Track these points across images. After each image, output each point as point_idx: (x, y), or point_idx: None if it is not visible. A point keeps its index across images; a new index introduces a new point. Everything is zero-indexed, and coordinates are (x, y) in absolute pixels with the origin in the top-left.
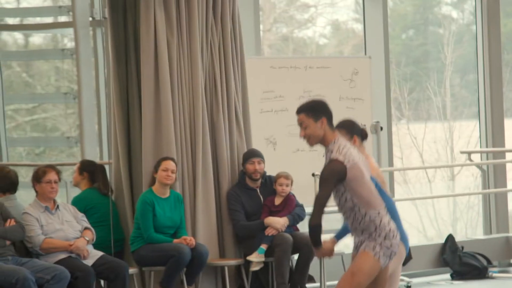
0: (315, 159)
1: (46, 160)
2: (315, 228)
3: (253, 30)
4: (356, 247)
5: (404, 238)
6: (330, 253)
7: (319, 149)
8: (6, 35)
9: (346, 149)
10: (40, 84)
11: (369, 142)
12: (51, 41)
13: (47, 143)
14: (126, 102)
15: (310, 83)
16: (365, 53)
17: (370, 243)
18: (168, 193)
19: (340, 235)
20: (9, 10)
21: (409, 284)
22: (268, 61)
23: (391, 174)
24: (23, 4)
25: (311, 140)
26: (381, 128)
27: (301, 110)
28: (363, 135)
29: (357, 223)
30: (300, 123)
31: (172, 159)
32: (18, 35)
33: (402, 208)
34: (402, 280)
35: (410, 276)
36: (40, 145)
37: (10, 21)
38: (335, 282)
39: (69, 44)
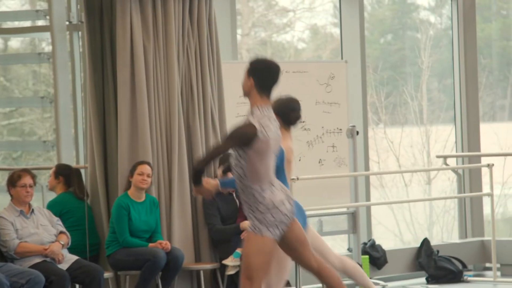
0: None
1: (23, 164)
2: (198, 171)
3: (230, 35)
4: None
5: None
6: (208, 193)
7: (295, 153)
8: None
9: (265, 120)
10: (17, 88)
11: (345, 146)
12: (29, 45)
13: (24, 147)
14: (102, 106)
15: (287, 87)
16: (342, 58)
17: (251, 222)
18: (144, 197)
19: (225, 183)
20: None
21: None
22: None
23: (367, 178)
24: (2, 8)
25: (243, 90)
26: (357, 133)
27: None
28: (291, 120)
29: (241, 191)
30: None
31: (148, 163)
32: None
33: (378, 212)
34: (377, 284)
35: (386, 280)
36: (17, 149)
37: None
38: (311, 286)
39: (47, 48)
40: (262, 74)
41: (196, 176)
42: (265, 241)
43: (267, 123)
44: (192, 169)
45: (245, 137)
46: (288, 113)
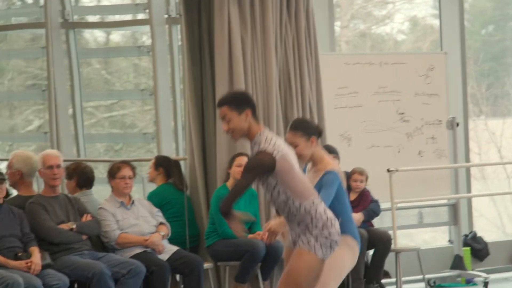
0: (390, 155)
1: (124, 156)
2: (225, 213)
3: (328, 26)
4: (294, 242)
5: (355, 235)
6: (242, 229)
7: (394, 144)
8: (87, 33)
9: (274, 140)
10: (118, 81)
11: (445, 138)
12: (130, 38)
13: (125, 139)
14: (200, 98)
15: (385, 79)
16: (441, 49)
17: (305, 238)
18: None
19: None
20: (89, 8)
21: (486, 280)
22: (342, 57)
23: (468, 170)
24: (103, 2)
25: (235, 133)
26: (457, 124)
27: (223, 102)
28: (319, 133)
29: (292, 216)
30: (223, 117)
31: (246, 155)
32: (99, 33)
33: (480, 204)
34: (479, 276)
35: (488, 272)
36: (119, 141)
37: (91, 18)
38: (411, 278)
39: (147, 41)
40: (250, 101)
41: (226, 216)
42: (314, 261)
43: (275, 141)
44: (220, 210)
45: (265, 165)
46: (315, 129)
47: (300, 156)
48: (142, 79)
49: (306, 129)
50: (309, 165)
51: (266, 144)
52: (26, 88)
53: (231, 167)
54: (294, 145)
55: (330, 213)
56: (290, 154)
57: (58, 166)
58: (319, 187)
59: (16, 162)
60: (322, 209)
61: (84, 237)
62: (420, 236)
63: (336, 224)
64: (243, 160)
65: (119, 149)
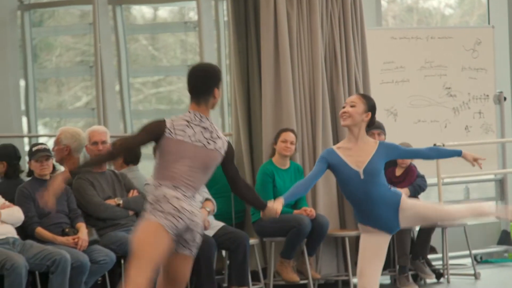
0: (436, 130)
1: None
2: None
3: (374, 1)
4: None
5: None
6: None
7: (441, 120)
8: (134, 9)
9: (181, 125)
10: (165, 57)
11: (492, 113)
12: (177, 14)
13: (172, 115)
14: (246, 74)
15: (432, 53)
16: (489, 23)
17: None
18: (288, 164)
19: (288, 196)
20: None
21: None
22: (388, 32)
23: None
24: None
25: None
26: (505, 98)
27: None
28: (372, 122)
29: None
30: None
31: (292, 131)
32: (146, 9)
33: None
34: None
35: None
36: (165, 117)
37: None
38: (458, 253)
39: (194, 17)
40: (187, 80)
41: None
42: (151, 225)
43: (182, 127)
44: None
45: (152, 127)
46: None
47: (348, 117)
48: (188, 55)
49: (371, 103)
50: (342, 145)
51: (172, 119)
52: (74, 65)
53: (277, 142)
54: (351, 104)
55: (169, 193)
56: (189, 145)
57: (103, 142)
58: (379, 156)
59: (64, 138)
60: (164, 190)
61: (131, 212)
62: None
63: (172, 202)
64: (289, 135)
65: None
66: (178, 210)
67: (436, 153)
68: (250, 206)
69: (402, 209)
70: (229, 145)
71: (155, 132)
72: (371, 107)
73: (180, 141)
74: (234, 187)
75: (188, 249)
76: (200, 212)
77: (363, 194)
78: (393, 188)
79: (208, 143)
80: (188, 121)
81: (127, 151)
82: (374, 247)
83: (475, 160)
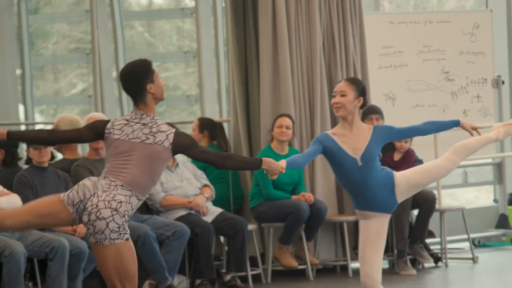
0: (434, 114)
1: (168, 119)
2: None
3: None
4: None
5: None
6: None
7: (439, 104)
8: None
9: (120, 124)
10: (162, 43)
11: (490, 96)
12: (173, 0)
13: (168, 101)
14: (244, 60)
15: (430, 38)
16: (487, 7)
17: None
18: (287, 150)
19: (289, 161)
20: None
21: None
22: (386, 17)
23: None
24: None
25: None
26: (503, 82)
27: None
28: (364, 103)
29: None
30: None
31: (288, 116)
32: None
33: None
34: None
35: None
36: (162, 103)
37: None
38: (456, 237)
39: (190, 3)
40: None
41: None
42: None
43: (121, 126)
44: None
45: (95, 124)
46: None
47: (341, 107)
48: (185, 41)
49: (360, 86)
50: (337, 131)
51: (118, 118)
52: (70, 52)
53: (273, 128)
54: (342, 94)
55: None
56: (126, 142)
57: None
58: (375, 141)
59: (62, 125)
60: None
61: None
62: (463, 196)
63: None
64: (284, 120)
65: (162, 112)
66: (78, 185)
67: (433, 127)
68: (249, 170)
69: (397, 186)
70: (178, 135)
71: (94, 130)
72: (361, 92)
73: (117, 140)
74: (217, 166)
75: (92, 236)
76: (112, 202)
77: (360, 180)
78: (386, 168)
79: (147, 138)
80: (127, 120)
81: (64, 142)
82: (374, 232)
83: (474, 129)
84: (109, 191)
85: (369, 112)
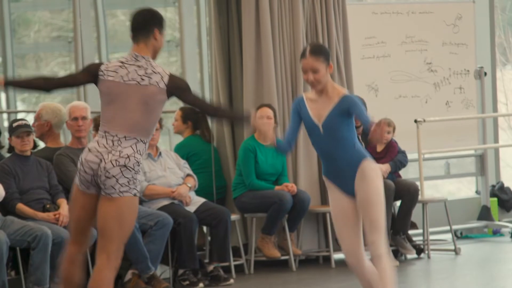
0: (417, 105)
1: None
2: None
3: None
4: None
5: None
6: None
7: (421, 95)
8: None
9: (114, 66)
10: None
11: (473, 88)
12: None
13: None
14: (227, 50)
15: (413, 28)
16: None
17: None
18: None
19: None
20: None
21: None
22: (369, 7)
23: (495, 120)
24: None
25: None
26: (485, 74)
27: None
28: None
29: None
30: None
31: (268, 106)
32: None
33: (507, 154)
34: (506, 226)
35: None
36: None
37: None
38: (438, 229)
39: None
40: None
41: None
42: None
43: (116, 68)
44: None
45: (88, 67)
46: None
47: (317, 83)
48: (167, 30)
49: (327, 54)
50: (310, 96)
51: (110, 62)
52: (52, 40)
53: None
54: (313, 71)
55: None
56: (118, 84)
57: (84, 118)
58: (337, 111)
59: (45, 113)
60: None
61: None
62: (445, 187)
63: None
64: (264, 110)
65: None
66: (81, 163)
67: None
68: (234, 122)
69: (360, 170)
70: (173, 77)
71: (90, 72)
72: (328, 57)
73: (111, 82)
74: (209, 114)
75: (102, 192)
76: (120, 160)
77: (325, 149)
78: (362, 149)
79: (142, 79)
80: (122, 62)
81: (63, 86)
82: (342, 212)
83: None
84: (114, 149)
85: None
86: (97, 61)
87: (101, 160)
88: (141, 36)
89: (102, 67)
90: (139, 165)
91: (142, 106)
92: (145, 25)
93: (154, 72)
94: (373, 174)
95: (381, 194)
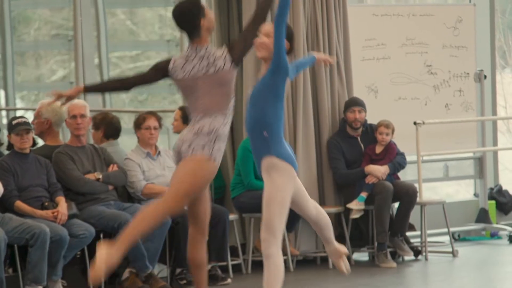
0: (416, 107)
1: (149, 107)
2: None
3: None
4: None
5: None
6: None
7: (421, 97)
8: None
9: (180, 63)
10: (144, 31)
11: (473, 91)
12: None
13: (149, 90)
14: None
15: (413, 30)
16: (470, 1)
17: None
18: None
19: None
20: None
21: (511, 234)
22: (370, 9)
23: (494, 123)
24: None
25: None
26: (485, 77)
27: None
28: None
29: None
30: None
31: None
32: None
33: (506, 157)
34: (504, 229)
35: None
36: (143, 92)
37: None
38: (436, 231)
39: None
40: None
41: None
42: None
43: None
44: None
45: (160, 62)
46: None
47: (265, 48)
48: (167, 29)
49: (288, 30)
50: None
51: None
52: (51, 38)
53: None
54: (268, 35)
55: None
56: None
57: (82, 116)
58: (267, 80)
59: (45, 111)
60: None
61: (110, 187)
62: (443, 190)
63: None
64: None
65: (143, 100)
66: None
67: (295, 64)
68: None
69: (264, 164)
70: (228, 47)
71: (159, 71)
72: (289, 35)
73: (181, 80)
74: (259, 16)
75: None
76: (198, 129)
77: (247, 118)
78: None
79: (208, 69)
80: (186, 58)
81: (139, 84)
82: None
83: (325, 61)
84: (194, 132)
85: (352, 104)
86: (96, 59)
87: (183, 140)
88: (191, 35)
89: (170, 66)
90: (217, 132)
91: (215, 90)
92: (191, 25)
93: (215, 58)
94: (276, 174)
95: (281, 195)
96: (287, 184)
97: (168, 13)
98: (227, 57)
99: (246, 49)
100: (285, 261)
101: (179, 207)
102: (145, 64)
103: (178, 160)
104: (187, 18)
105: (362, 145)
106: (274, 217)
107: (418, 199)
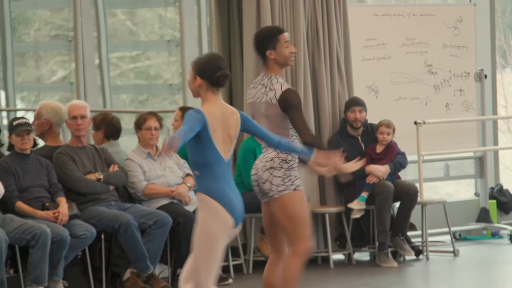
0: (417, 107)
1: (149, 107)
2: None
3: None
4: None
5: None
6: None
7: (421, 97)
8: None
9: (251, 88)
10: (144, 32)
11: (473, 90)
12: None
13: (150, 90)
14: (228, 50)
15: (413, 30)
16: (470, 0)
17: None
18: None
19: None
20: None
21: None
22: (370, 9)
23: (495, 123)
24: None
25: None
26: (485, 76)
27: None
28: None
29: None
30: None
31: None
32: None
33: (506, 157)
34: (505, 229)
35: None
36: (143, 92)
37: None
38: (437, 230)
39: None
40: None
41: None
42: None
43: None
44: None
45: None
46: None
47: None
48: (167, 30)
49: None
50: None
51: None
52: (51, 39)
53: None
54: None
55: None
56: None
57: (83, 116)
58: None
59: (45, 112)
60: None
61: (111, 187)
62: (444, 189)
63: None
64: None
65: (144, 100)
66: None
67: (283, 147)
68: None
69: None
70: (285, 92)
71: None
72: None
73: (249, 103)
74: (300, 136)
75: (267, 198)
76: (266, 164)
77: None
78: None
79: (262, 97)
80: (255, 83)
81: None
82: None
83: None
84: (261, 157)
85: (352, 104)
86: (96, 60)
87: (256, 171)
88: (262, 61)
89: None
90: (288, 163)
91: (266, 118)
92: (259, 53)
93: (271, 89)
94: (200, 215)
95: (203, 240)
96: (209, 224)
97: (168, 13)
98: (277, 94)
99: (288, 113)
100: None
101: (307, 239)
102: (145, 65)
103: (258, 190)
104: (257, 46)
105: (362, 145)
106: (198, 265)
107: (419, 199)
